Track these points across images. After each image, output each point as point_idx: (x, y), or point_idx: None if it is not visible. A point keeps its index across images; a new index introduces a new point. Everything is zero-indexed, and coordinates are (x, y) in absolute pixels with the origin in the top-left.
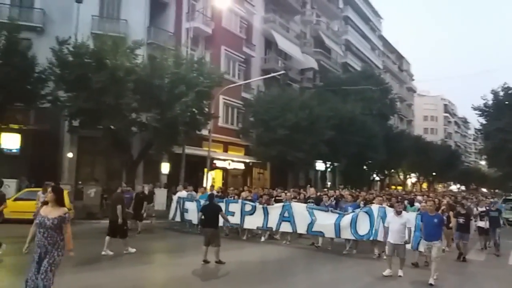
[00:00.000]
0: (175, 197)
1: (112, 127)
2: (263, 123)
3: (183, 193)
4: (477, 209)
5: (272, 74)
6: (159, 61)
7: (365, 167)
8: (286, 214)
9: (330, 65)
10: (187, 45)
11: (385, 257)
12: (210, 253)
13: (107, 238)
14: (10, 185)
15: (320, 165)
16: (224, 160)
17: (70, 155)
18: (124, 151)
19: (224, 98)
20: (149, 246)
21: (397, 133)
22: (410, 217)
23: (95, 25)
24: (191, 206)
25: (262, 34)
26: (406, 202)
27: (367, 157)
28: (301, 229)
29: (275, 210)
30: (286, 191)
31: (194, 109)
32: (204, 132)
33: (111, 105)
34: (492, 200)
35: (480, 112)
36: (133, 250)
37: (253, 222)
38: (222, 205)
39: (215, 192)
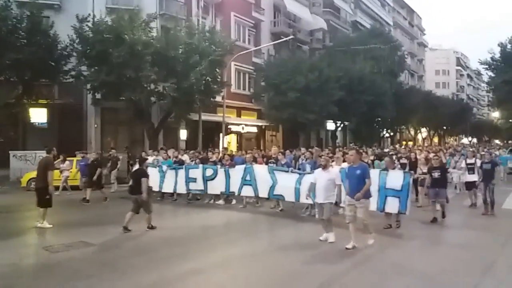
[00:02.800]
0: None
1: (133, 98)
2: (274, 87)
3: (149, 159)
4: (465, 162)
5: (281, 40)
6: (173, 33)
7: (375, 124)
8: (248, 177)
9: (339, 24)
10: (198, 14)
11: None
12: (135, 221)
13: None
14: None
15: (330, 125)
16: (238, 124)
17: (94, 126)
18: (145, 120)
19: (236, 65)
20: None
21: (407, 90)
22: (338, 172)
23: None
24: (151, 172)
25: None
26: (373, 157)
27: (377, 114)
28: (263, 193)
29: (237, 173)
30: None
31: (208, 78)
32: (218, 98)
33: (131, 78)
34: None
35: (487, 66)
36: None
37: (216, 187)
38: (182, 172)
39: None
